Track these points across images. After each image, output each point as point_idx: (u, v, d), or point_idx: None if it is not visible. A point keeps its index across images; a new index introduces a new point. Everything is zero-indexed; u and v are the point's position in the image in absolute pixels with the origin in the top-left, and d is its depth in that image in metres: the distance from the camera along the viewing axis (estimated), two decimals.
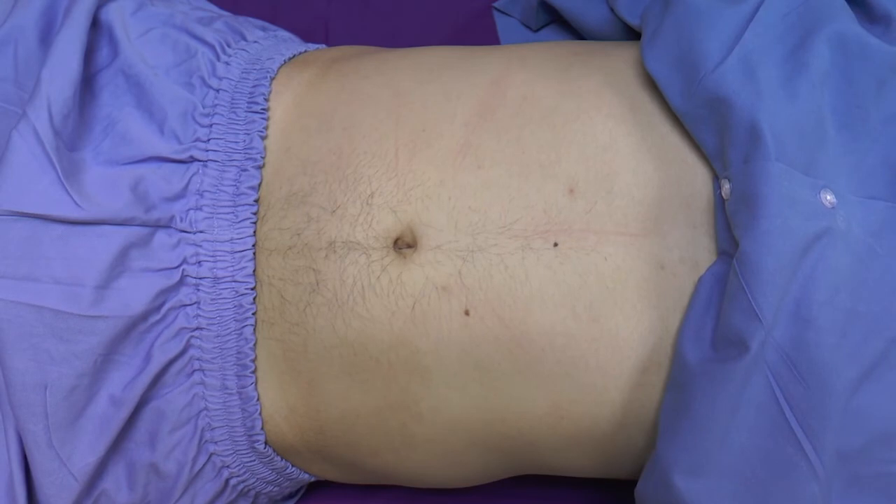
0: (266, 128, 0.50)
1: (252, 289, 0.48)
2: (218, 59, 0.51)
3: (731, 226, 0.42)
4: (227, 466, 0.51)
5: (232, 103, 0.50)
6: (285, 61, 0.54)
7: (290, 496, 0.61)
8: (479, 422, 0.47)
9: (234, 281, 0.48)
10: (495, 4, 0.63)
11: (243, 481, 0.52)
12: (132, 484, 0.48)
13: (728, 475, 0.41)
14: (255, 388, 0.49)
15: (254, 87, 0.51)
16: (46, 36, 0.51)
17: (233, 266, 0.48)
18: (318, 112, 0.50)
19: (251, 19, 0.59)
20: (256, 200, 0.49)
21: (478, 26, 0.73)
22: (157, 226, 0.47)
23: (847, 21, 0.45)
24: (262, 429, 0.50)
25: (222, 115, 0.50)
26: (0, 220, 0.44)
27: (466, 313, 0.45)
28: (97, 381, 0.46)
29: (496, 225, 0.45)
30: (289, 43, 0.57)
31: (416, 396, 0.47)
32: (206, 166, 0.49)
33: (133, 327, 0.46)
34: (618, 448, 0.47)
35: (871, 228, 0.41)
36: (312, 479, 0.57)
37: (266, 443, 0.51)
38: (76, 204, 0.45)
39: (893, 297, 0.41)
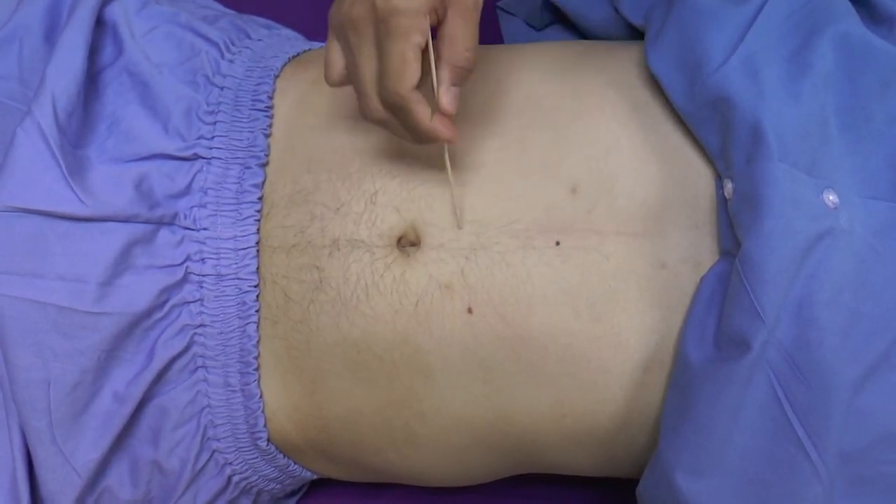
0: (270, 126, 0.50)
1: (255, 286, 0.48)
2: (222, 57, 0.52)
3: (733, 226, 0.42)
4: (230, 464, 0.51)
5: (236, 101, 0.50)
6: (289, 59, 0.54)
7: (293, 494, 0.61)
8: (482, 420, 0.47)
9: (238, 278, 0.48)
10: (499, 4, 0.63)
11: (246, 479, 0.52)
12: (135, 480, 0.48)
13: (730, 475, 0.41)
14: (258, 386, 0.49)
15: (258, 85, 0.51)
16: (51, 34, 0.51)
17: (236, 263, 0.48)
18: (322, 110, 0.50)
19: (255, 18, 0.59)
20: (260, 198, 0.49)
21: (481, 26, 0.72)
22: (160, 223, 0.47)
23: (851, 22, 0.45)
24: (264, 426, 0.50)
25: (226, 112, 0.50)
26: (4, 217, 0.44)
27: (469, 311, 0.45)
28: (100, 378, 0.46)
29: (498, 224, 0.45)
30: (293, 41, 0.57)
31: (420, 395, 0.47)
32: (209, 164, 0.49)
33: (136, 324, 0.46)
34: (619, 446, 0.47)
35: (874, 229, 0.41)
36: (315, 477, 0.57)
37: (269, 440, 0.51)
38: (80, 201, 0.45)
39: None
